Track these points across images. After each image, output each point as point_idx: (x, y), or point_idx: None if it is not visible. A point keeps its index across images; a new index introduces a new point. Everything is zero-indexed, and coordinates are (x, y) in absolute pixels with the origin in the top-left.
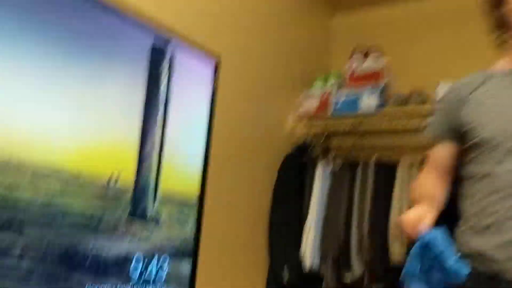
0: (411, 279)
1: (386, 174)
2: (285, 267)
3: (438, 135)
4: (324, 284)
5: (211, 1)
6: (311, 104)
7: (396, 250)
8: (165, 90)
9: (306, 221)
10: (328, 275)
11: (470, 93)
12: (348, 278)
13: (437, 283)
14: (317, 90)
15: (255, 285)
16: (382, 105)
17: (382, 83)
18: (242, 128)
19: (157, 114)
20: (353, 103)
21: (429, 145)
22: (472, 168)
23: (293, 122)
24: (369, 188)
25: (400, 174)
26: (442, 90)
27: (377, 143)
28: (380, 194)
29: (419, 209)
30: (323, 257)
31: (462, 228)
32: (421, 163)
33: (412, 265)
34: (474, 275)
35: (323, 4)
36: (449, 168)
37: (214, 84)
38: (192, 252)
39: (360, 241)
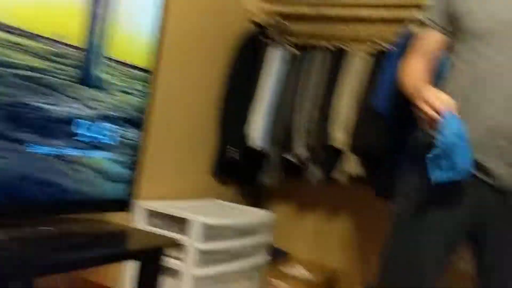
0: (434, 171)
1: (340, 61)
2: (232, 147)
3: (431, 22)
4: (268, 164)
5: None
6: None
7: (339, 138)
8: None
9: (257, 102)
10: (273, 155)
11: None
12: (292, 158)
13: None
14: None
15: (202, 164)
16: None
17: None
18: (197, 3)
19: None
20: None
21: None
22: (459, 57)
23: (251, 1)
24: (322, 74)
25: (353, 62)
26: None
27: (334, 30)
28: (332, 81)
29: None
30: (270, 138)
31: None
32: (374, 54)
33: (435, 157)
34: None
35: None
36: (434, 57)
37: None
38: (141, 120)
39: (307, 125)
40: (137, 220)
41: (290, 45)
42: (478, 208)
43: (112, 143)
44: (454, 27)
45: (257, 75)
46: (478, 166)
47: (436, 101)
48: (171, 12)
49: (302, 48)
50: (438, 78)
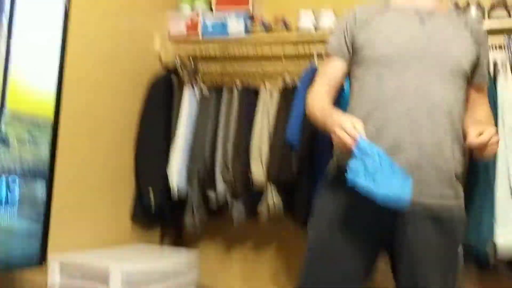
0: (356, 176)
1: (250, 98)
2: (152, 189)
3: (334, 51)
4: (189, 204)
5: None
6: (178, 25)
7: (256, 171)
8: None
9: (173, 144)
10: (194, 195)
11: (370, 19)
12: (213, 197)
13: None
14: (184, 11)
15: (121, 209)
16: (248, 31)
17: (248, 8)
18: (103, 48)
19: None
20: (222, 27)
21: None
22: (364, 82)
23: (160, 44)
24: (234, 111)
25: (263, 98)
26: (304, 17)
27: (243, 68)
28: (244, 117)
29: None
30: (189, 178)
31: None
32: (283, 89)
33: (356, 164)
34: None
35: None
36: (337, 83)
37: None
38: (46, 174)
39: (224, 162)
40: (52, 275)
41: (201, 85)
42: (387, 224)
43: (17, 197)
44: (355, 54)
45: (171, 116)
46: None
47: (352, 127)
48: (72, 60)
49: (213, 87)
50: (340, 103)
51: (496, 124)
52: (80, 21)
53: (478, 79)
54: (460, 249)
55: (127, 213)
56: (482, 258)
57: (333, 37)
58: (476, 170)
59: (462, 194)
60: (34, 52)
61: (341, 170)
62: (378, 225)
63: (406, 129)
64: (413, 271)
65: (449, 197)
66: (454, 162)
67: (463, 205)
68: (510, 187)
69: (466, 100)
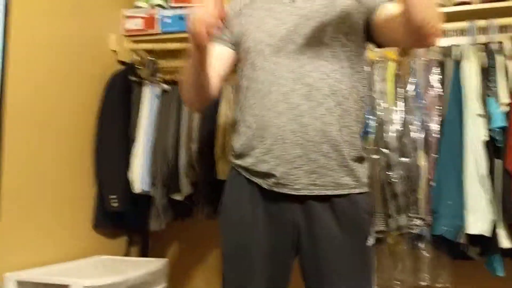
0: None
1: None
2: (114, 192)
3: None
4: (154, 208)
5: None
6: (135, 21)
7: (222, 168)
8: None
9: (134, 144)
10: (158, 197)
11: (242, 8)
12: (177, 198)
13: None
14: (141, 6)
15: (81, 218)
16: None
17: None
18: (53, 48)
19: None
20: (181, 22)
21: None
22: (243, 75)
23: (117, 41)
24: None
25: (226, 94)
26: None
27: None
28: (207, 114)
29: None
30: (152, 179)
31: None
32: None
33: None
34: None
35: None
36: (218, 67)
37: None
38: None
39: (189, 162)
40: None
41: (161, 82)
42: (289, 220)
43: None
44: (236, 49)
45: (131, 116)
46: (277, 178)
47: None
48: (21, 61)
49: (174, 83)
50: None
51: (461, 110)
52: (25, 18)
53: (375, 9)
54: (369, 243)
55: (88, 222)
56: (454, 247)
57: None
58: (445, 157)
59: (364, 180)
60: None
61: (238, 169)
62: (284, 224)
63: (285, 117)
64: (318, 270)
65: (347, 185)
66: (346, 145)
67: (367, 191)
68: (478, 173)
69: (378, 35)
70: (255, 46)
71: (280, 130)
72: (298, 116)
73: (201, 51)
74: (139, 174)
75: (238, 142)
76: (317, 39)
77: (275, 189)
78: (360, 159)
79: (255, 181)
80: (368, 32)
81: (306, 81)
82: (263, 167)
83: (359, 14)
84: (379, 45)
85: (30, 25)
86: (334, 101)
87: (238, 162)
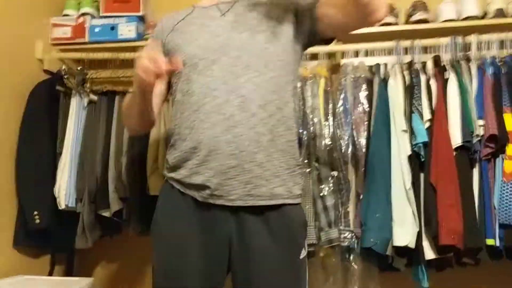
0: None
1: None
2: (37, 212)
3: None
4: (80, 223)
5: None
6: (63, 30)
7: (154, 184)
8: None
9: (60, 158)
10: (85, 213)
11: (175, 24)
12: (106, 214)
13: None
14: (69, 14)
15: (1, 232)
16: (141, 35)
17: (140, 13)
18: None
19: None
20: (111, 31)
21: None
22: (178, 90)
23: (43, 49)
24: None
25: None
26: None
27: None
28: None
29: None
30: (79, 195)
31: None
32: None
33: None
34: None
35: None
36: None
37: None
38: None
39: (118, 177)
40: None
41: (89, 92)
42: (223, 233)
43: None
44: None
45: (56, 128)
46: (212, 190)
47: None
48: None
49: (103, 94)
50: None
51: (387, 126)
52: None
53: (308, 6)
54: (303, 255)
55: (9, 241)
56: (382, 259)
57: (148, 45)
58: (373, 171)
59: (298, 192)
60: None
61: (171, 182)
62: (218, 237)
63: (219, 128)
64: (251, 283)
65: (281, 196)
66: (280, 155)
67: (300, 203)
68: (405, 187)
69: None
70: (189, 60)
71: (214, 141)
72: (231, 127)
73: (146, 94)
74: (65, 189)
75: (172, 155)
76: (249, 51)
77: (210, 201)
78: (293, 170)
79: (189, 193)
80: (311, 32)
81: (240, 92)
82: (197, 179)
83: (289, 24)
84: (327, 40)
85: None
86: (267, 111)
87: (172, 174)
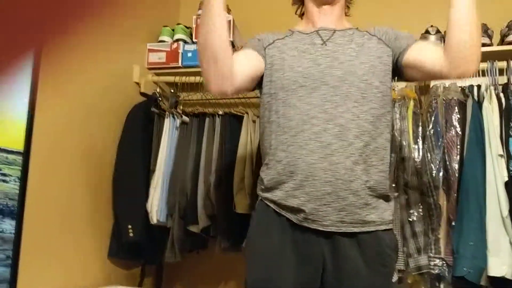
0: None
1: (232, 126)
2: (131, 222)
3: (251, 46)
4: (170, 238)
5: None
6: (158, 55)
7: (240, 202)
8: None
9: (153, 175)
10: (175, 228)
11: (276, 39)
12: (194, 230)
13: None
14: (164, 41)
15: (98, 248)
16: None
17: (229, 37)
18: (78, 79)
19: None
20: None
21: None
22: (273, 110)
23: (140, 73)
24: (216, 140)
25: (246, 126)
26: None
27: (226, 97)
28: (226, 146)
29: None
30: (170, 211)
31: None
32: None
33: None
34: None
35: None
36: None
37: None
38: (16, 212)
39: (206, 194)
40: None
41: (181, 114)
42: (316, 254)
43: None
44: (263, 80)
45: (151, 147)
46: (306, 214)
47: None
48: (49, 90)
49: (194, 115)
50: None
51: (482, 150)
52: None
53: (406, 49)
54: (394, 279)
55: (104, 252)
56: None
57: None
58: (466, 197)
59: (390, 217)
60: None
61: (266, 201)
62: (311, 257)
63: (317, 155)
64: None
65: (373, 222)
66: (373, 184)
67: (391, 229)
68: (501, 215)
69: (407, 75)
70: (288, 85)
71: (311, 167)
72: (328, 155)
73: None
74: (156, 205)
75: (267, 176)
76: (349, 81)
77: (305, 224)
78: (386, 197)
79: (284, 214)
80: (397, 71)
81: (338, 121)
82: (292, 202)
83: (388, 57)
84: (408, 80)
85: (59, 57)
86: (363, 141)
87: (267, 195)
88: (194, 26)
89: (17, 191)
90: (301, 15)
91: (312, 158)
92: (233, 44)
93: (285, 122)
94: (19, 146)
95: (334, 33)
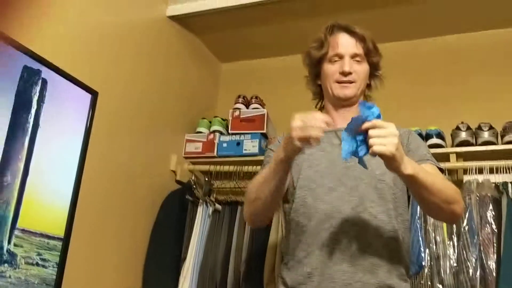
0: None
1: None
2: None
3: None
4: None
5: (92, 40)
6: (195, 145)
7: None
8: (34, 120)
9: (184, 262)
10: None
11: None
12: None
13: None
14: (202, 132)
15: None
16: (263, 150)
17: (263, 130)
18: (120, 164)
19: (23, 142)
20: (236, 147)
21: None
22: (292, 209)
23: (177, 162)
24: (247, 229)
25: (276, 215)
26: None
27: None
28: (257, 236)
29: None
30: None
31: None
32: None
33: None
34: None
35: (213, 51)
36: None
37: (89, 119)
38: None
39: (237, 283)
40: None
41: (214, 202)
42: None
43: None
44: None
45: (183, 234)
46: None
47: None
48: (92, 177)
49: (227, 203)
50: None
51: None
52: (99, 141)
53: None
54: None
55: None
56: None
57: (270, 153)
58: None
59: None
60: (51, 167)
61: None
62: None
63: (335, 257)
64: None
65: None
66: (391, 281)
67: None
68: None
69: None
70: (307, 184)
71: (330, 269)
72: (348, 257)
73: (290, 159)
74: None
75: (288, 276)
76: (366, 182)
77: None
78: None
79: None
80: None
81: (355, 222)
82: None
83: None
84: None
85: (105, 142)
86: (382, 242)
87: None
88: (230, 118)
89: (54, 277)
90: (321, 108)
91: (330, 260)
92: (266, 136)
93: (304, 221)
94: (60, 232)
95: None
